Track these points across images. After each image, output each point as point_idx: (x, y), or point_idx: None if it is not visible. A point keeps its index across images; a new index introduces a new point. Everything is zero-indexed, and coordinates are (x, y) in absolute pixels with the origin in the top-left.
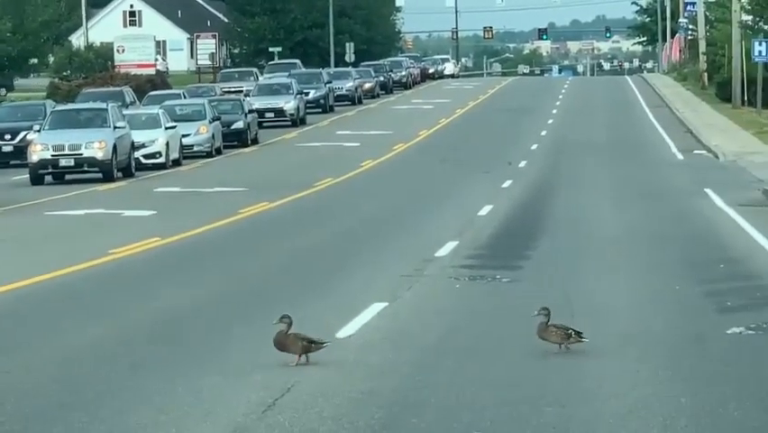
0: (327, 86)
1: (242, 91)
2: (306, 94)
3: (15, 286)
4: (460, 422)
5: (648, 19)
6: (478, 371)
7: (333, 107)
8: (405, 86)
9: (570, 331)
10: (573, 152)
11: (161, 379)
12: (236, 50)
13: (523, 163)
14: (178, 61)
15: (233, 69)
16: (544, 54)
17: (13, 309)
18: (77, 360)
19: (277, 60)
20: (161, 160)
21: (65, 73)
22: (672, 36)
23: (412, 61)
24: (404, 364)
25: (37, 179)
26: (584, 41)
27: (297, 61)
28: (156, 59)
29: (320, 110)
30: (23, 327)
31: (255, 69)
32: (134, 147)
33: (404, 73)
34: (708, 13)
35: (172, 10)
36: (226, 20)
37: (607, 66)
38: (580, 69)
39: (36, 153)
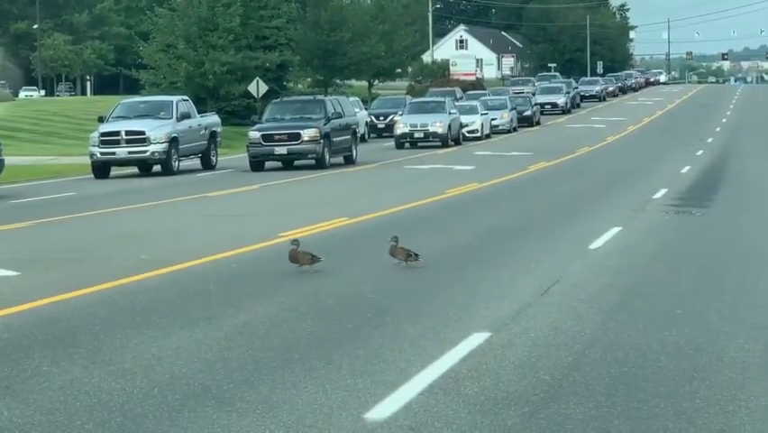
0: (575, 89)
1: (522, 93)
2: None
3: (383, 213)
4: (667, 304)
5: None
6: (681, 267)
7: (579, 104)
8: (634, 89)
9: (411, 252)
10: (744, 133)
11: (473, 275)
12: (527, 65)
13: (710, 139)
14: (490, 72)
15: (517, 77)
16: (725, 70)
17: (377, 228)
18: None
19: (546, 73)
20: (478, 134)
21: (418, 78)
22: None
23: (639, 73)
24: (633, 266)
25: (399, 146)
26: (752, 61)
27: (557, 74)
28: (475, 71)
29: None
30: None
31: (532, 78)
32: (461, 126)
33: (633, 81)
34: None
35: (487, 38)
36: (521, 45)
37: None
38: (749, 79)
39: (399, 129)
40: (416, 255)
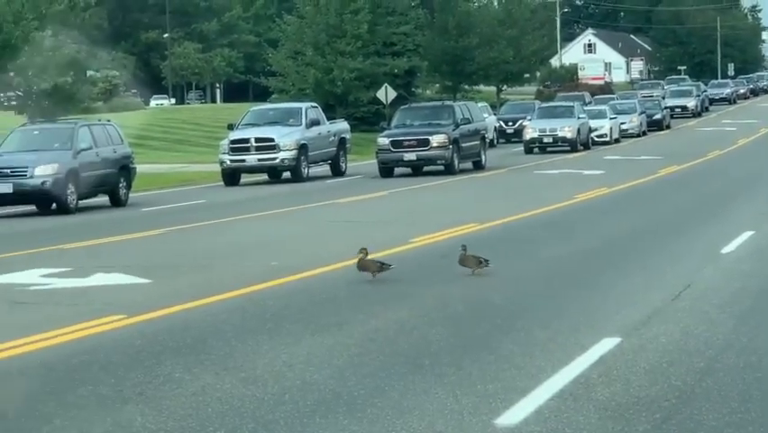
0: (703, 93)
1: (652, 96)
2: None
3: (513, 218)
4: None
5: None
6: None
7: (708, 108)
8: (766, 91)
9: (481, 259)
10: None
11: (603, 280)
12: (655, 69)
13: None
14: (618, 76)
15: (646, 81)
16: None
17: (508, 234)
18: (555, 267)
19: (675, 75)
20: (607, 139)
21: (547, 83)
22: None
23: None
24: (766, 270)
25: (528, 151)
26: None
27: (686, 77)
28: (604, 74)
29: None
30: (510, 245)
31: (661, 82)
32: (590, 130)
33: (766, 83)
34: None
35: (615, 42)
36: (650, 48)
37: None
38: None
39: (528, 134)
40: (487, 261)
